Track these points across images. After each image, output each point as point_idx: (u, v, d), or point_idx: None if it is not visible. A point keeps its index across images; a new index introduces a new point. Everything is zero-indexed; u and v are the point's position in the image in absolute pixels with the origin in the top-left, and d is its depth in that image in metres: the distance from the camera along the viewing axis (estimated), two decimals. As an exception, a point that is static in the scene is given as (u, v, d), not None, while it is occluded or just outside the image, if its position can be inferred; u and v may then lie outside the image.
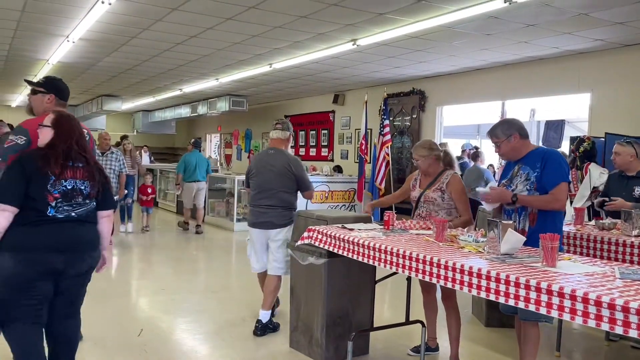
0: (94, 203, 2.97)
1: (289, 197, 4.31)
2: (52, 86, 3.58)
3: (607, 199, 4.43)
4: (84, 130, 3.76)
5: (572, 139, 6.42)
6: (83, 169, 2.91)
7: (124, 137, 10.03)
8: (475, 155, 8.31)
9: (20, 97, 15.36)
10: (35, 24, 6.90)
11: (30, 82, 3.77)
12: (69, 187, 2.84)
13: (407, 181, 4.11)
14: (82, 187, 2.89)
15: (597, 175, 5.54)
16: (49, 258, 2.76)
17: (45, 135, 2.92)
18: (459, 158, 9.02)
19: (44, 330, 2.90)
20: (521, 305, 2.26)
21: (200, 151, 10.33)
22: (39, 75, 10.62)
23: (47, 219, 2.78)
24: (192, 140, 10.51)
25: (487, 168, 8.38)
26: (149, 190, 9.61)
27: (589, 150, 5.91)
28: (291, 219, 4.25)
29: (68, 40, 7.63)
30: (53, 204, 2.79)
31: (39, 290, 2.77)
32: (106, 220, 3.06)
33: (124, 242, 8.45)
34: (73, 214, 2.85)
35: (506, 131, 3.22)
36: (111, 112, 16.28)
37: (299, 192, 4.38)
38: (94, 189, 2.94)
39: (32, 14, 6.41)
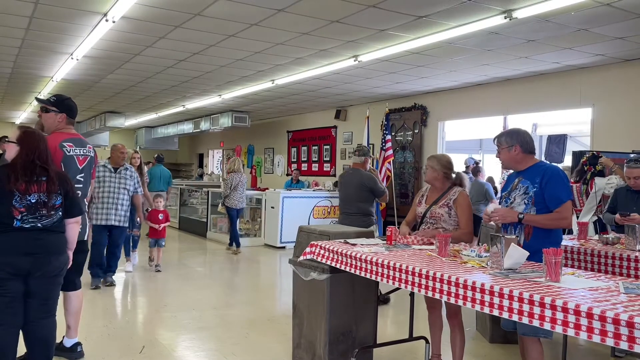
0: (60, 213, 3.19)
1: (364, 206, 5.54)
2: (64, 106, 3.81)
3: (626, 213, 4.39)
4: (89, 147, 3.86)
5: (576, 154, 6.42)
6: (46, 183, 3.12)
7: (135, 152, 8.97)
8: (476, 170, 8.31)
9: (24, 114, 15.46)
10: (40, 41, 6.98)
11: (42, 101, 3.88)
12: (33, 201, 3.06)
13: (414, 200, 4.13)
14: (46, 200, 3.10)
15: (602, 184, 5.52)
16: (17, 260, 3.02)
17: (10, 151, 3.14)
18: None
19: (20, 332, 3.15)
20: (525, 320, 2.24)
21: (163, 165, 10.87)
22: (43, 92, 10.70)
23: (14, 228, 3.02)
24: (155, 155, 11.25)
25: (487, 181, 8.36)
26: (161, 217, 7.25)
27: (602, 170, 5.90)
28: (369, 222, 5.47)
29: (72, 58, 7.71)
30: (19, 217, 3.03)
31: (10, 288, 3.03)
32: (73, 226, 3.31)
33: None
34: (39, 224, 3.09)
35: (509, 140, 3.27)
36: (114, 129, 16.37)
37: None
38: (58, 201, 3.16)
39: (36, 32, 6.49)
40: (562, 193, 3.08)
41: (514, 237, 2.86)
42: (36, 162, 3.12)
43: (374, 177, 5.76)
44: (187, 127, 16.02)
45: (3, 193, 3.00)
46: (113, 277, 6.36)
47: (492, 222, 3.36)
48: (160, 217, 7.25)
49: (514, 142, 3.24)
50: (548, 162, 3.38)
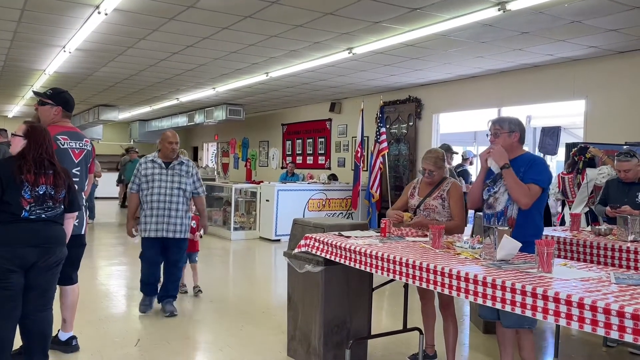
0: (62, 206, 3.28)
1: None
2: (60, 99, 3.82)
3: (616, 205, 4.42)
4: (86, 141, 3.86)
5: (569, 145, 6.45)
6: (53, 176, 3.21)
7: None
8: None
9: (17, 107, 15.36)
10: (32, 34, 6.92)
11: (38, 94, 3.90)
12: (41, 193, 3.14)
13: (405, 191, 4.11)
14: (52, 192, 3.19)
15: (594, 174, 5.56)
16: (26, 252, 3.08)
17: (17, 145, 3.20)
18: (460, 165, 8.95)
19: (18, 325, 3.20)
20: (517, 310, 2.26)
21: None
22: (36, 85, 10.64)
23: (21, 219, 3.09)
24: (135, 148, 11.87)
25: None
26: (194, 224, 5.47)
27: (593, 159, 5.93)
28: None
29: (65, 51, 7.66)
30: (27, 208, 3.10)
31: (14, 281, 3.09)
32: (70, 221, 3.41)
33: (115, 255, 8.41)
34: (43, 215, 3.16)
35: (512, 126, 3.21)
36: (108, 122, 16.30)
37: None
38: (63, 194, 3.24)
39: (28, 24, 6.44)
40: (538, 176, 3.07)
41: (506, 229, 2.88)
42: (44, 156, 3.20)
43: (453, 172, 6.89)
44: (181, 120, 15.97)
45: (14, 184, 3.07)
46: (174, 303, 4.97)
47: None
48: (193, 225, 5.43)
49: (514, 129, 3.20)
50: (534, 154, 3.35)
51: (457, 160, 9.43)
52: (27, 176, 3.10)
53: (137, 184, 4.88)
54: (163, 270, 5.04)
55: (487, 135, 3.32)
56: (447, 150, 7.23)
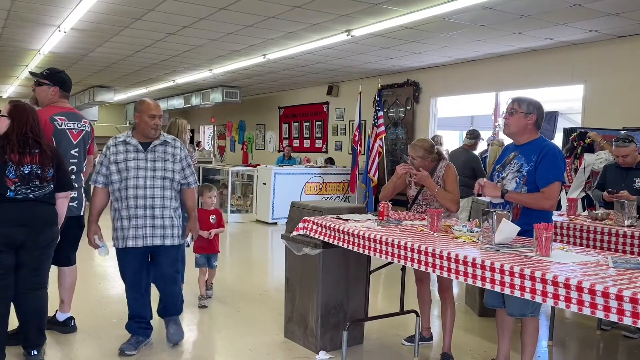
0: (52, 186, 3.25)
1: (467, 180, 6.26)
2: (57, 79, 3.81)
3: (614, 190, 4.42)
4: (85, 122, 3.82)
5: (567, 130, 6.44)
6: (39, 155, 3.19)
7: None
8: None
9: (11, 88, 15.22)
10: (26, 13, 6.82)
11: (34, 74, 3.87)
12: (26, 172, 3.13)
13: (399, 171, 4.04)
14: (39, 172, 3.17)
15: (592, 159, 5.56)
16: (13, 231, 3.07)
17: (2, 125, 3.19)
18: (485, 151, 8.66)
19: (13, 305, 3.20)
20: (517, 293, 2.27)
21: None
22: (30, 65, 10.52)
23: (7, 199, 3.07)
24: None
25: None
26: (213, 220, 4.81)
27: (592, 144, 5.92)
28: (468, 193, 6.33)
29: (59, 30, 7.56)
30: (12, 188, 3.09)
31: (3, 261, 3.08)
32: (63, 200, 3.36)
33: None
34: (31, 195, 3.15)
35: (530, 107, 3.06)
36: (103, 104, 16.18)
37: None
38: (51, 173, 3.22)
39: (22, 3, 6.34)
40: (551, 173, 2.96)
41: (505, 212, 2.88)
42: (28, 135, 3.18)
43: (478, 159, 7.10)
44: (177, 103, 15.86)
45: None
46: (177, 326, 3.76)
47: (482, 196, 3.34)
48: (211, 220, 4.79)
49: (532, 111, 3.06)
50: (548, 140, 3.24)
51: (482, 146, 9.18)
52: (10, 156, 3.09)
53: (105, 175, 3.56)
54: (160, 292, 3.77)
55: (502, 113, 3.24)
56: (477, 137, 7.06)
